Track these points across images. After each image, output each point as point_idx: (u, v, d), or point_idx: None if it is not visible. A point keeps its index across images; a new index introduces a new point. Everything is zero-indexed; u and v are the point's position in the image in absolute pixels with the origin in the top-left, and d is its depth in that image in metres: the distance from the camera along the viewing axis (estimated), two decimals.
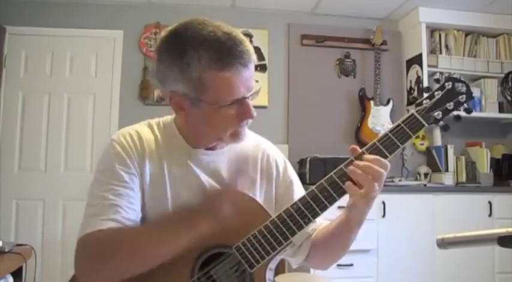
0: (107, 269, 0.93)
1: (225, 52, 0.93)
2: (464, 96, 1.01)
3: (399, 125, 0.99)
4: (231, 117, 0.99)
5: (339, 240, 1.08)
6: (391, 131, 0.98)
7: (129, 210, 0.98)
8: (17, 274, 2.02)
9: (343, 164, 0.97)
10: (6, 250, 2.00)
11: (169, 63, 0.96)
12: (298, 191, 1.16)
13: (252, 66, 0.97)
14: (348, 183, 0.94)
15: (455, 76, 1.07)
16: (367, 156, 0.95)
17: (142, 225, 1.00)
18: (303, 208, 0.97)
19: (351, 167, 0.94)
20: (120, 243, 0.94)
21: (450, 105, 1.00)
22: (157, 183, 1.03)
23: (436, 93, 1.01)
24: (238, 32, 0.97)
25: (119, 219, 0.95)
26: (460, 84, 1.02)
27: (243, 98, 0.97)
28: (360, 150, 0.97)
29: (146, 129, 1.09)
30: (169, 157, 1.06)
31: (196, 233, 0.96)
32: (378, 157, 0.95)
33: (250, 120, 1.02)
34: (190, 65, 0.93)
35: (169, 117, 1.14)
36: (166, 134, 1.09)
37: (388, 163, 0.95)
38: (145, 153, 1.04)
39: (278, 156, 1.20)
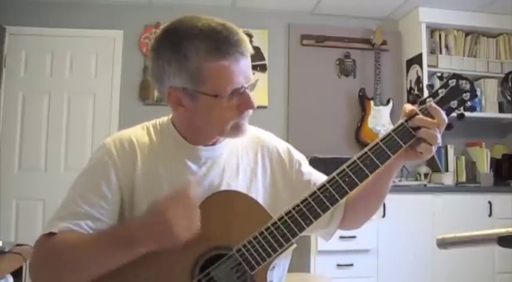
0: (55, 277, 0.96)
1: (221, 41, 0.93)
2: (468, 94, 1.00)
3: (402, 124, 0.98)
4: (231, 109, 0.97)
5: (377, 191, 1.08)
6: (394, 131, 0.98)
7: (96, 221, 0.98)
8: (17, 274, 2.02)
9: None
10: (6, 250, 1.99)
11: (167, 59, 0.96)
12: (307, 170, 1.17)
13: (249, 56, 0.97)
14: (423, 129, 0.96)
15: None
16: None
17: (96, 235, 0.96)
18: (304, 209, 0.96)
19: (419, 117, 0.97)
20: (70, 255, 0.94)
21: (454, 103, 0.99)
22: (153, 186, 1.02)
23: (439, 91, 1.00)
24: (231, 23, 0.97)
25: (83, 227, 0.97)
26: (464, 81, 1.00)
27: (242, 88, 0.96)
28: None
29: (140, 133, 1.08)
30: (165, 158, 1.05)
31: (135, 256, 0.91)
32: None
33: (250, 111, 1.01)
34: (188, 57, 0.93)
35: (165, 118, 1.12)
36: (163, 134, 1.08)
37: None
38: (136, 160, 1.03)
39: (279, 145, 1.18)
